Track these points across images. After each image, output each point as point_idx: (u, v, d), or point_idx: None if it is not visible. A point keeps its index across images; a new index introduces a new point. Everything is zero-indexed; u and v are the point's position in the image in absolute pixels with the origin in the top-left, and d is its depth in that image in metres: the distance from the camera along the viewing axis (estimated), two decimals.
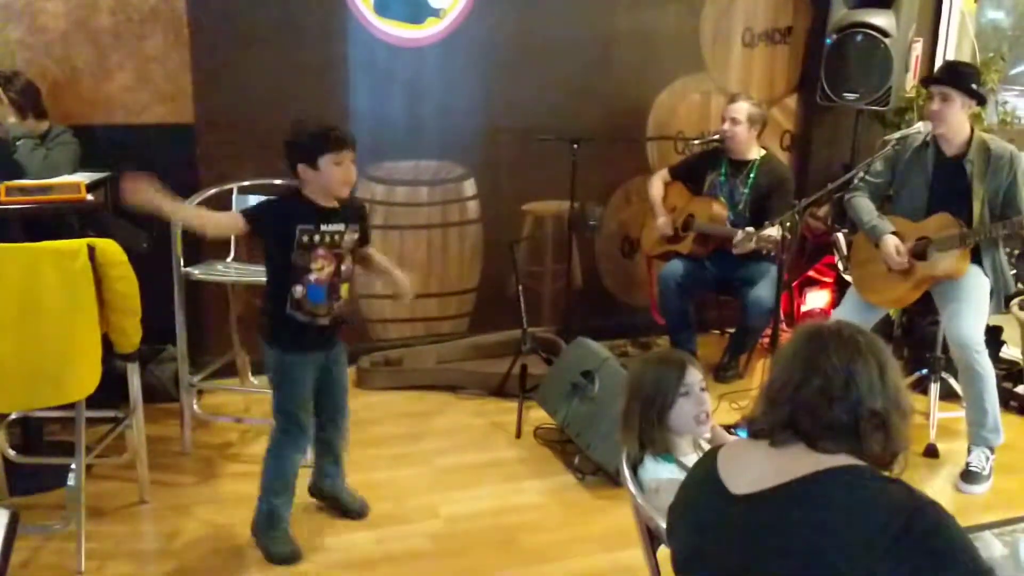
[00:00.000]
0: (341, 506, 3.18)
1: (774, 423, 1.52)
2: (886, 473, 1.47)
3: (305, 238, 2.75)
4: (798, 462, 1.46)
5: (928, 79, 3.70)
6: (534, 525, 3.20)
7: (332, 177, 2.74)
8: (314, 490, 3.20)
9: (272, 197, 2.95)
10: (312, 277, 2.78)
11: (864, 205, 3.72)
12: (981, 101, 3.53)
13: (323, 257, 2.78)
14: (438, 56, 4.38)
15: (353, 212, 2.89)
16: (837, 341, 1.51)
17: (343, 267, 2.84)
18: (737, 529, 1.48)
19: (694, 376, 2.17)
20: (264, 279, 2.93)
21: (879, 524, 1.34)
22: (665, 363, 2.19)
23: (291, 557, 2.91)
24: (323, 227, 2.77)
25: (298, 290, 2.79)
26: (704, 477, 1.60)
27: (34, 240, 2.70)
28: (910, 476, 3.29)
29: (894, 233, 3.61)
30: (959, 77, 3.48)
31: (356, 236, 2.87)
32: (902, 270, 3.59)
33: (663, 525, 1.72)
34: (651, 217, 4.63)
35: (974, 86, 3.44)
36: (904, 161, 3.67)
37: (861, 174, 3.76)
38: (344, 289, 2.88)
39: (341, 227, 2.81)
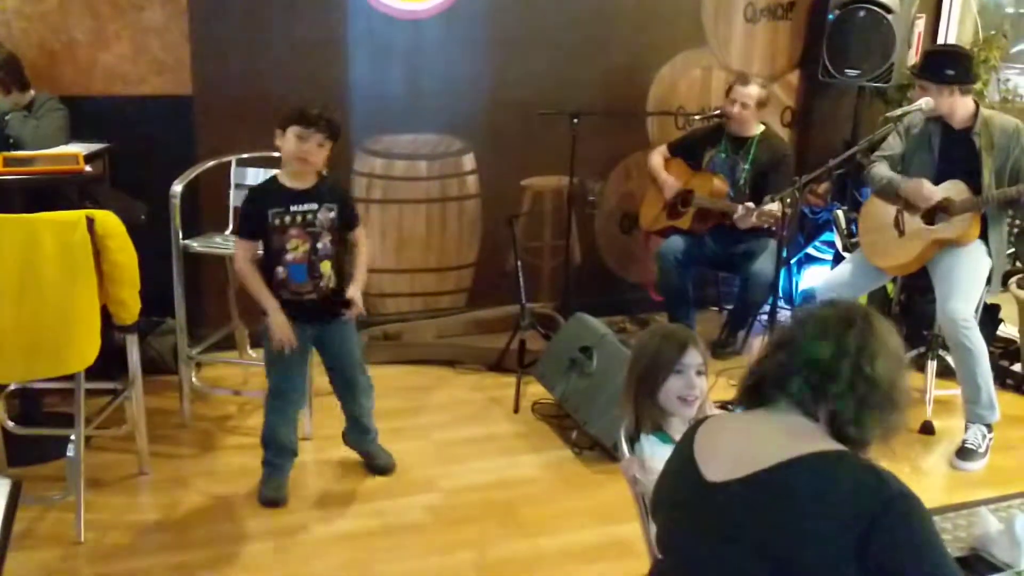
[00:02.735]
0: (367, 460, 3.35)
1: (743, 385, 1.56)
2: (862, 455, 1.44)
3: (277, 221, 2.90)
4: (770, 446, 1.44)
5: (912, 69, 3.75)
6: (531, 499, 3.22)
7: (289, 146, 2.88)
8: (346, 441, 3.39)
9: (246, 196, 3.07)
10: (289, 257, 2.92)
11: (881, 169, 3.74)
12: (962, 82, 3.50)
13: (296, 236, 2.91)
14: (438, 29, 4.35)
15: (330, 193, 3.00)
16: (816, 307, 1.53)
17: (319, 245, 2.95)
18: (710, 518, 1.47)
19: (693, 357, 2.14)
20: (262, 251, 3.07)
21: (846, 518, 1.32)
22: (668, 338, 2.17)
23: (271, 501, 3.10)
24: (293, 207, 2.91)
25: (280, 271, 2.94)
26: (682, 457, 1.58)
27: (32, 212, 2.69)
28: (906, 453, 3.30)
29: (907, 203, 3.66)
30: (930, 68, 3.53)
31: (333, 215, 2.98)
32: (912, 234, 3.61)
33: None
34: (651, 191, 4.61)
35: (949, 72, 3.45)
36: (913, 135, 3.70)
37: (883, 150, 3.77)
38: (325, 267, 2.98)
39: (314, 206, 2.94)
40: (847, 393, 1.45)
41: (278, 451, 3.14)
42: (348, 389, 3.22)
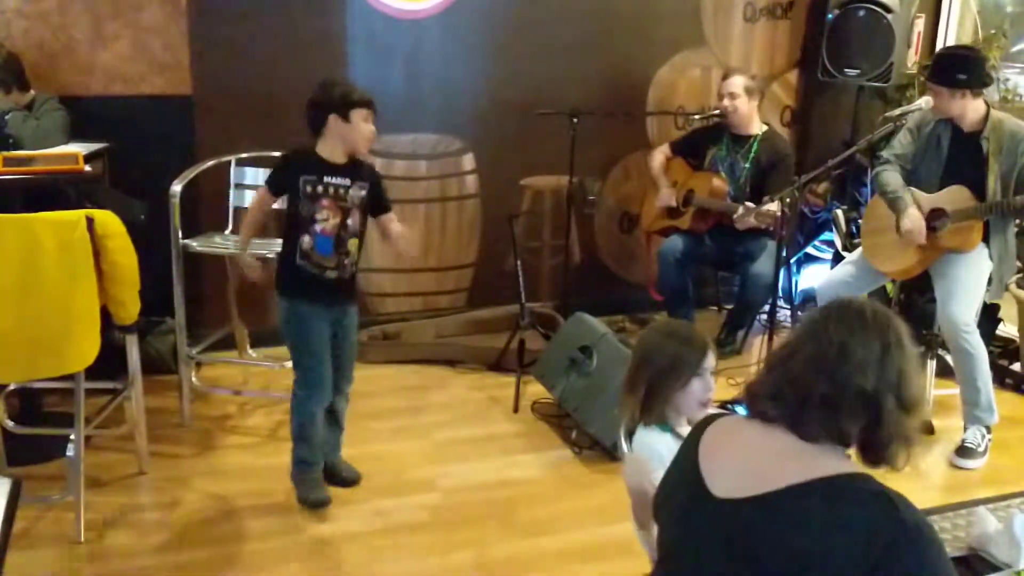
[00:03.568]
0: (336, 475, 3.22)
1: (763, 392, 1.46)
2: (876, 473, 1.39)
3: (309, 188, 2.90)
4: (780, 465, 1.39)
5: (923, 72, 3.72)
6: (531, 498, 3.22)
7: (360, 131, 2.92)
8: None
9: (283, 154, 3.07)
10: (318, 227, 2.91)
11: (892, 178, 3.67)
12: (974, 86, 3.45)
13: (328, 207, 2.91)
14: (437, 28, 4.35)
15: (362, 172, 3.00)
16: (843, 312, 1.44)
17: (349, 221, 2.95)
18: (712, 534, 1.42)
19: (711, 361, 2.14)
20: (264, 252, 3.14)
21: (857, 549, 1.27)
22: (689, 343, 2.14)
23: (318, 503, 3.06)
24: (327, 179, 2.91)
25: (306, 240, 2.92)
26: (686, 463, 1.53)
27: (32, 212, 2.69)
28: None
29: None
30: (941, 71, 3.48)
31: (363, 194, 2.98)
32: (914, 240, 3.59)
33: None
34: (652, 192, 4.62)
35: (961, 76, 3.40)
36: (924, 134, 3.66)
37: (893, 148, 3.74)
38: (353, 244, 2.98)
39: (347, 181, 2.94)
40: (882, 421, 1.38)
41: (312, 445, 3.07)
42: (341, 385, 3.13)
